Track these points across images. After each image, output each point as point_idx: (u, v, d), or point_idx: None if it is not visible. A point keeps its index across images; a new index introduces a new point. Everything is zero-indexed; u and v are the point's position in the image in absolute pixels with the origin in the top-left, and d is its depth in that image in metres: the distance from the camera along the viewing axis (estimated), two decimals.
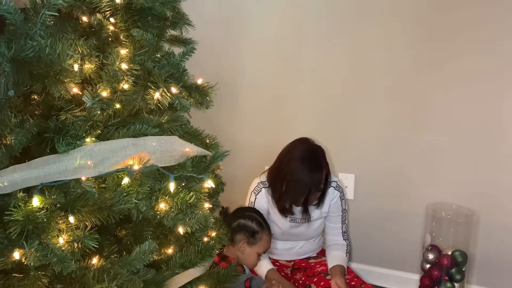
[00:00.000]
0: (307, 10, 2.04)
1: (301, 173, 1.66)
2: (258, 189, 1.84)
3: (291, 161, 1.69)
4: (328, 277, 1.77)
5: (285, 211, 1.78)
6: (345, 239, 1.90)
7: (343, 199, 1.88)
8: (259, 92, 2.21)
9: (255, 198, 1.83)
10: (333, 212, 1.87)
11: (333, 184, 1.85)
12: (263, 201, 1.82)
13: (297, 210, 1.80)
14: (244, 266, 1.68)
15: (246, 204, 1.87)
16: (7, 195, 0.88)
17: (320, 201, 1.81)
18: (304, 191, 1.68)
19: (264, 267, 1.77)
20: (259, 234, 1.65)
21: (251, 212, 1.71)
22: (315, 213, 1.85)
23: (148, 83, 1.09)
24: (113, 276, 0.96)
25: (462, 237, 1.82)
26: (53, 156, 0.93)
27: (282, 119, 2.18)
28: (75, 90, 0.99)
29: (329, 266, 1.81)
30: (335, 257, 1.83)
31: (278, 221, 1.84)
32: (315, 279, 1.81)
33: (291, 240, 1.90)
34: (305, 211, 1.77)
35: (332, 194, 1.85)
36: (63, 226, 0.93)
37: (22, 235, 0.87)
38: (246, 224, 1.65)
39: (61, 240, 0.92)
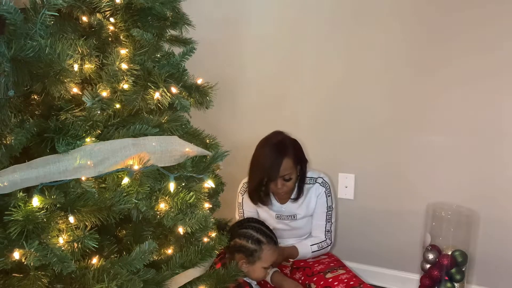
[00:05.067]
0: (307, 10, 2.04)
1: (263, 157, 1.74)
2: (244, 189, 1.88)
3: (259, 147, 1.78)
4: (328, 275, 1.77)
5: (252, 197, 1.82)
6: (327, 238, 1.90)
7: (329, 196, 1.88)
8: (259, 92, 2.21)
9: (242, 198, 1.87)
10: (318, 208, 1.89)
11: (319, 180, 1.88)
12: (250, 201, 1.84)
13: (275, 203, 1.82)
14: (251, 283, 1.65)
15: (236, 205, 1.88)
16: (7, 195, 0.88)
17: (298, 195, 1.83)
18: (263, 174, 1.73)
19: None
20: (257, 252, 1.58)
21: (248, 229, 1.62)
22: (300, 210, 1.87)
23: (148, 83, 1.09)
24: (113, 276, 0.96)
25: (462, 237, 1.82)
26: (53, 156, 0.93)
27: (282, 119, 2.18)
28: (75, 90, 0.99)
29: None
30: (299, 243, 1.87)
31: (265, 219, 1.85)
32: (315, 278, 1.81)
33: (282, 237, 1.91)
34: (265, 196, 1.81)
35: (317, 190, 1.87)
36: (63, 226, 0.93)
37: (22, 235, 0.87)
38: (242, 244, 1.58)
39: (61, 240, 0.92)
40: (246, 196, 1.86)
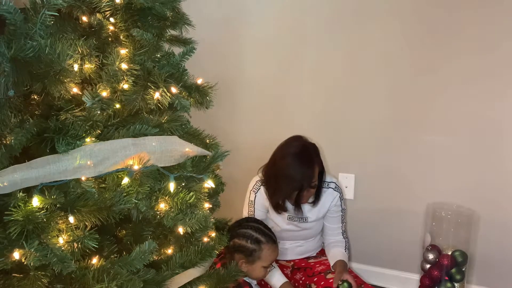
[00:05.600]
0: (307, 10, 2.04)
1: (293, 169, 1.69)
2: (257, 187, 1.84)
3: (284, 157, 1.72)
4: (328, 276, 1.77)
5: (278, 207, 1.78)
6: (344, 237, 1.91)
7: (342, 200, 1.89)
8: (259, 92, 2.21)
9: (255, 196, 1.84)
10: (333, 213, 1.88)
11: (332, 185, 1.86)
12: (262, 199, 1.83)
13: (291, 207, 1.80)
14: (251, 283, 1.65)
15: (246, 203, 1.87)
16: (7, 195, 0.88)
17: (316, 199, 1.82)
18: (296, 186, 1.70)
19: (275, 279, 1.74)
20: (257, 252, 1.58)
21: (247, 229, 1.62)
22: (312, 213, 1.85)
23: (148, 83, 1.09)
24: (113, 276, 0.97)
25: (462, 237, 1.82)
26: (53, 156, 0.93)
27: (282, 119, 2.18)
28: (75, 90, 0.99)
29: (331, 263, 1.82)
30: (336, 254, 1.84)
31: (276, 219, 1.84)
32: (315, 279, 1.81)
33: (289, 239, 1.91)
34: (297, 208, 1.78)
35: (332, 195, 1.85)
36: (63, 226, 0.93)
37: (22, 235, 0.87)
38: (241, 244, 1.58)
39: (61, 240, 0.92)
40: (259, 195, 1.83)
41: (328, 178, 1.86)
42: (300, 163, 1.69)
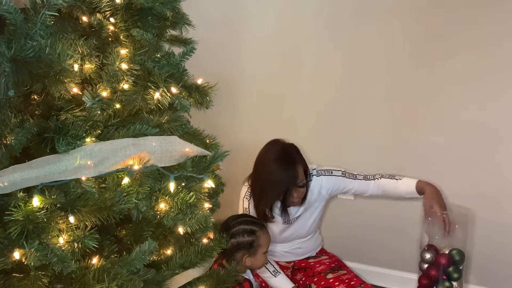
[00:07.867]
0: (307, 10, 2.04)
1: (277, 173, 1.65)
2: (249, 194, 1.81)
3: (265, 163, 1.69)
4: (328, 276, 1.77)
5: (265, 217, 1.74)
6: (376, 178, 1.77)
7: (331, 175, 1.79)
8: (259, 92, 2.21)
9: (248, 203, 1.81)
10: (339, 189, 1.79)
11: (313, 172, 1.80)
12: None
13: (278, 215, 1.77)
14: (252, 282, 1.66)
15: (240, 211, 1.86)
16: (7, 195, 0.88)
17: (303, 200, 1.76)
18: (282, 189, 1.66)
19: (283, 286, 1.73)
20: (255, 241, 1.60)
21: (237, 226, 1.62)
22: (300, 209, 1.81)
23: (148, 83, 1.10)
24: (113, 276, 0.97)
25: (459, 236, 1.81)
26: (53, 156, 0.93)
27: (282, 119, 2.18)
28: (75, 90, 0.99)
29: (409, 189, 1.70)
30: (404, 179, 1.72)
31: (271, 226, 1.82)
32: (315, 279, 1.81)
33: (287, 241, 1.90)
34: (284, 211, 1.74)
35: (317, 183, 1.79)
36: (63, 226, 0.93)
37: (22, 235, 0.87)
38: (239, 242, 1.59)
39: (61, 240, 0.92)
40: (252, 201, 1.81)
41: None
42: (283, 166, 1.65)
